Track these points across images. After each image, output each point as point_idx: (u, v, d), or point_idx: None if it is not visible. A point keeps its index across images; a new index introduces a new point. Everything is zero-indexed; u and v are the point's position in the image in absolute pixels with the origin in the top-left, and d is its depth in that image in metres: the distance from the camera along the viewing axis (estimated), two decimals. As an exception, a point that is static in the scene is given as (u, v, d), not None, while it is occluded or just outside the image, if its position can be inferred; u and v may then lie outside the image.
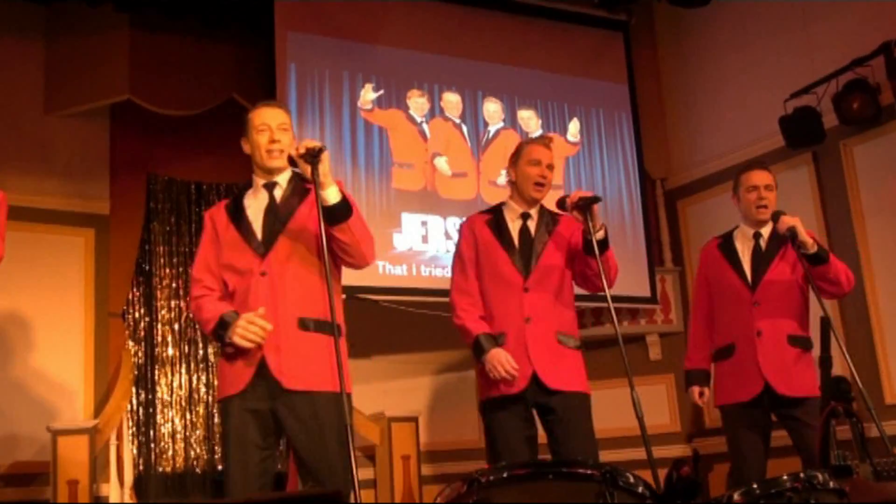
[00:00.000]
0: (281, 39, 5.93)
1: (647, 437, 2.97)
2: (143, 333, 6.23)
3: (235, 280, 3.11)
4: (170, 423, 6.21)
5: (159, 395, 6.21)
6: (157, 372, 6.24)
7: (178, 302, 6.34)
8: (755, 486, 2.52)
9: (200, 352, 6.38)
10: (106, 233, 6.17)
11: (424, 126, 6.28)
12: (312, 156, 2.93)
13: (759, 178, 4.08)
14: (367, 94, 6.14)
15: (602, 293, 3.35)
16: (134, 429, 6.00)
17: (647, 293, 6.64)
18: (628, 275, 6.34)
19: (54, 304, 5.86)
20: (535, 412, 3.61)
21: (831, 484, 2.50)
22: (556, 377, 3.53)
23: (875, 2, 5.71)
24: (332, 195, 2.99)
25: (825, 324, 3.28)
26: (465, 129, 6.40)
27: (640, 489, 2.33)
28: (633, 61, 7.07)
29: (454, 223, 6.00)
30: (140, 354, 6.18)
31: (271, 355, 3.00)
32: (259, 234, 3.10)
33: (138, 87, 5.97)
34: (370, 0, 6.24)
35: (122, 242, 6.23)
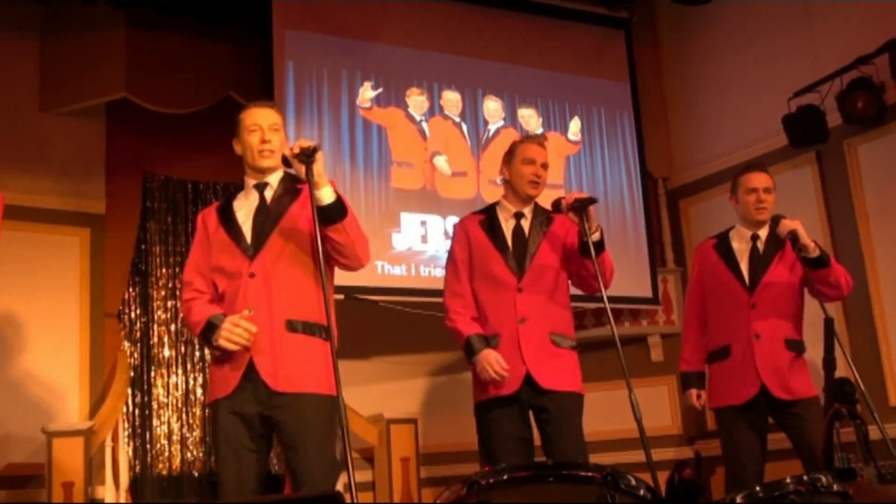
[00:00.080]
0: (279, 37, 5.89)
1: (646, 439, 2.97)
2: (139, 334, 6.19)
3: (225, 282, 3.09)
4: (166, 425, 6.16)
5: (155, 396, 6.16)
6: (153, 373, 6.19)
7: (174, 302, 6.29)
8: (758, 489, 2.50)
9: (197, 353, 6.33)
10: (102, 232, 6.13)
11: (424, 125, 6.23)
12: (307, 155, 2.90)
13: (759, 180, 4.06)
14: (366, 93, 6.09)
15: (599, 294, 3.35)
16: (130, 430, 5.96)
17: (648, 294, 6.60)
18: (630, 275, 6.30)
19: (49, 304, 5.83)
20: (531, 414, 3.58)
21: (835, 487, 2.47)
22: (549, 377, 3.52)
23: (879, 0, 5.66)
24: (326, 195, 2.96)
25: (829, 325, 3.25)
26: (464, 127, 6.35)
27: (642, 492, 2.31)
28: (635, 59, 7.02)
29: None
30: (136, 355, 6.14)
31: (259, 357, 2.97)
32: (248, 236, 3.08)
33: (135, 85, 5.94)
34: (369, -2, 6.22)
35: (118, 242, 6.20)
